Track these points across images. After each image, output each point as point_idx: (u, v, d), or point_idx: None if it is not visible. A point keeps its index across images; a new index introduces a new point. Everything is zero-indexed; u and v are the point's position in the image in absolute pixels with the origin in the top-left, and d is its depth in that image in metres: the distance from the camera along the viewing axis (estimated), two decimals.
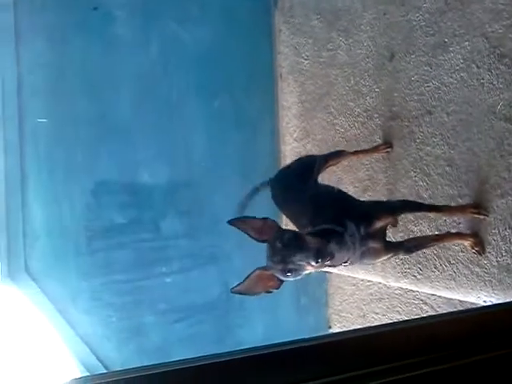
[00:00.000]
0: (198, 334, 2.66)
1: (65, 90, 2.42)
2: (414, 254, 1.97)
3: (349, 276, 2.70)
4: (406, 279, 2.07)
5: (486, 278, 1.72)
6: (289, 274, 1.38)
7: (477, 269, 1.76)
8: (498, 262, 1.69)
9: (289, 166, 2.16)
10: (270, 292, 1.46)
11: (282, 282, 1.44)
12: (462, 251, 1.82)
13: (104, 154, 2.48)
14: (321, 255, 1.34)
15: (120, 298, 2.51)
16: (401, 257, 2.06)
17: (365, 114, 2.26)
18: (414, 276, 2.02)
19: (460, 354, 0.86)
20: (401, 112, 2.06)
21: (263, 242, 1.43)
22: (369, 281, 2.58)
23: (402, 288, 2.38)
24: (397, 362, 0.84)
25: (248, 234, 1.44)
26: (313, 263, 1.34)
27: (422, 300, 2.32)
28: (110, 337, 2.48)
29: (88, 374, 2.38)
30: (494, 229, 1.69)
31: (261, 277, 1.43)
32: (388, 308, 2.54)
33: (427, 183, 1.95)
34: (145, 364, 0.78)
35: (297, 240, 1.38)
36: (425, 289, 2.01)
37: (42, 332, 2.34)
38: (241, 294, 1.45)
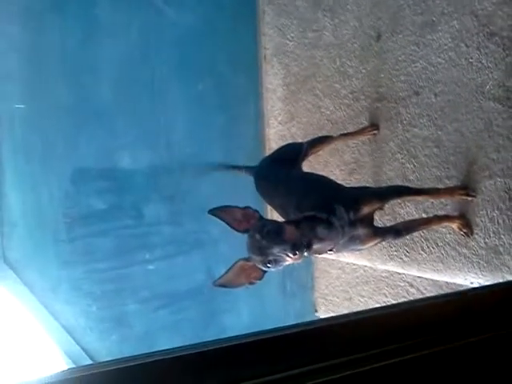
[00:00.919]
0: (183, 321, 2.62)
1: (42, 75, 2.33)
2: (401, 239, 1.96)
3: (334, 260, 2.69)
4: (393, 262, 2.05)
5: (474, 260, 1.72)
6: (269, 266, 1.37)
7: (464, 250, 1.75)
8: (485, 243, 1.68)
9: (272, 154, 2.12)
10: (253, 283, 1.45)
11: (264, 272, 1.42)
12: (449, 233, 1.81)
13: (83, 139, 2.40)
14: (297, 248, 1.33)
15: (102, 287, 2.45)
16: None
17: (351, 96, 2.22)
18: (401, 258, 2.01)
19: (448, 338, 0.86)
20: (387, 93, 2.03)
21: (244, 232, 1.42)
22: (355, 264, 2.57)
23: (388, 271, 2.38)
24: (384, 347, 0.83)
25: (228, 225, 1.43)
26: (290, 255, 1.33)
27: (408, 282, 2.31)
28: (92, 326, 2.43)
29: (73, 364, 2.34)
30: (482, 210, 1.68)
31: (243, 268, 1.42)
32: (374, 291, 2.53)
33: (414, 165, 1.93)
34: (129, 352, 0.75)
35: (275, 232, 1.36)
36: (412, 271, 2.00)
37: (23, 323, 2.28)
38: (224, 286, 1.45)
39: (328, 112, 2.36)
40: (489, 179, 1.65)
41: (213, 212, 1.43)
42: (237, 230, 1.42)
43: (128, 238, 2.51)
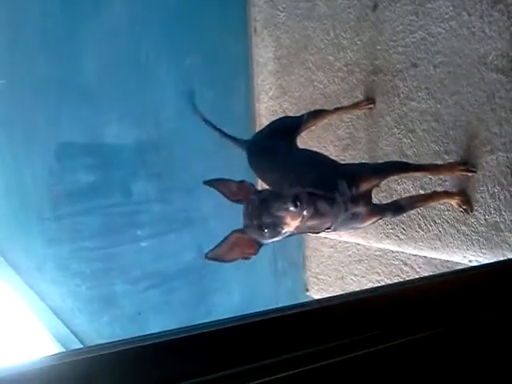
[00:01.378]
0: (173, 301, 2.58)
1: (22, 50, 2.22)
2: (399, 216, 1.91)
3: (326, 238, 2.65)
4: (389, 240, 2.01)
5: (473, 237, 1.68)
6: (266, 231, 1.29)
7: (463, 227, 1.71)
8: (485, 220, 1.63)
9: (265, 129, 2.05)
10: (247, 258, 1.38)
11: (260, 246, 1.35)
12: (447, 210, 1.76)
13: (67, 114, 2.31)
14: (299, 199, 1.26)
15: (90, 266, 2.40)
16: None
17: (345, 69, 2.15)
18: (397, 236, 1.97)
19: (446, 319, 0.82)
20: (384, 65, 1.96)
21: (238, 202, 1.36)
22: (347, 242, 2.53)
23: (381, 249, 2.34)
24: (379, 330, 0.79)
25: (223, 195, 1.38)
26: (291, 208, 1.25)
27: (402, 261, 2.28)
28: (81, 307, 2.38)
29: (61, 346, 2.30)
30: (483, 186, 1.63)
31: (237, 241, 1.35)
32: (367, 269, 2.50)
33: (411, 140, 1.87)
34: (120, 334, 0.71)
35: (273, 194, 1.30)
36: (408, 249, 1.96)
37: (8, 304, 2.22)
38: (216, 260, 1.36)
39: (321, 86, 2.29)
40: (490, 154, 1.60)
41: (208, 183, 1.38)
42: (231, 200, 1.36)
43: (116, 216, 2.45)
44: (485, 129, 1.61)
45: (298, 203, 1.25)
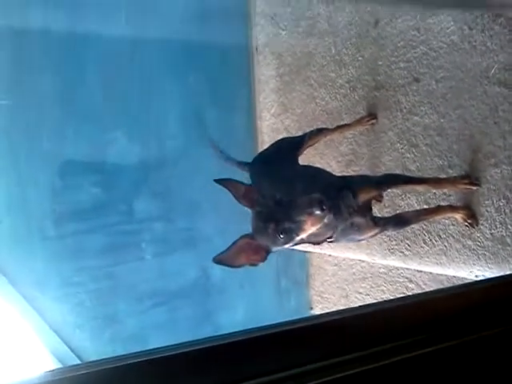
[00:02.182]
0: (176, 320, 2.55)
1: (27, 67, 2.24)
2: (401, 230, 1.90)
3: (330, 255, 2.63)
4: (394, 256, 1.99)
5: (480, 252, 1.66)
6: (282, 236, 1.26)
7: (469, 242, 1.69)
8: (491, 234, 1.62)
9: (267, 149, 2.06)
10: (255, 265, 1.36)
11: (267, 253, 1.34)
12: (452, 224, 1.75)
13: (70, 132, 2.32)
14: (324, 203, 1.23)
15: (92, 285, 2.38)
16: (388, 233, 1.98)
17: (347, 85, 2.16)
18: (402, 252, 1.95)
19: (455, 333, 0.81)
20: (386, 81, 1.96)
21: (248, 206, 1.34)
22: (351, 260, 2.51)
23: (386, 266, 2.32)
24: (387, 344, 0.78)
25: (234, 196, 1.36)
26: (317, 212, 1.22)
27: (407, 278, 2.26)
28: (82, 325, 2.36)
29: (61, 365, 2.26)
30: (488, 200, 1.62)
31: (246, 247, 1.33)
32: (372, 287, 2.48)
33: (415, 155, 1.86)
34: (121, 352, 0.70)
35: (291, 198, 1.28)
36: (413, 265, 1.94)
37: (9, 321, 2.20)
38: (222, 264, 1.35)
39: (323, 102, 2.29)
40: (494, 167, 1.59)
41: (219, 181, 1.37)
42: (241, 203, 1.35)
43: (119, 235, 2.44)
44: (488, 142, 1.60)
45: (324, 207, 1.22)
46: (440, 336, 0.81)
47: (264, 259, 1.34)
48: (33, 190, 2.26)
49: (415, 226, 1.84)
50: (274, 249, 1.33)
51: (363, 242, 2.07)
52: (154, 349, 0.69)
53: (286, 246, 1.31)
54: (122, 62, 2.42)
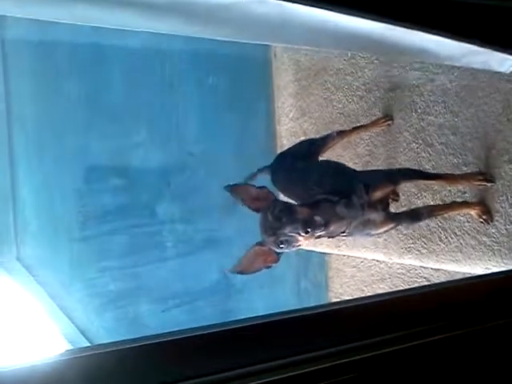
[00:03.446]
0: (198, 320, 2.59)
1: (53, 72, 2.34)
2: (417, 228, 1.92)
3: (349, 257, 2.65)
4: (410, 255, 2.01)
5: (495, 248, 1.67)
6: (282, 246, 1.36)
7: (484, 238, 1.70)
8: (506, 229, 1.63)
9: (288, 149, 2.11)
10: (270, 267, 1.43)
11: (279, 255, 1.41)
12: (467, 221, 1.76)
13: (95, 137, 2.40)
14: (308, 225, 1.33)
15: (115, 285, 2.44)
16: (404, 232, 2.00)
17: (363, 88, 2.20)
18: (419, 251, 1.97)
19: (473, 320, 0.83)
20: (401, 82, 2.00)
21: (256, 211, 1.41)
22: (369, 261, 2.53)
23: (404, 267, 2.33)
24: (408, 329, 0.80)
25: (243, 202, 1.43)
26: (303, 234, 1.33)
27: (425, 278, 2.27)
28: (106, 325, 2.41)
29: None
30: (502, 196, 1.64)
31: (258, 253, 1.41)
32: (390, 288, 2.49)
33: (430, 154, 1.89)
34: None
35: (286, 211, 1.36)
36: (430, 263, 1.96)
37: (37, 321, 2.27)
38: (241, 273, 1.43)
39: (340, 105, 2.34)
40: (509, 163, 1.61)
41: (229, 188, 1.43)
42: (250, 208, 1.42)
43: (141, 236, 2.50)
44: (502, 139, 1.63)
45: (309, 229, 1.33)
46: (456, 324, 0.83)
47: (277, 260, 1.42)
48: (59, 194, 2.34)
49: (431, 224, 1.87)
50: (286, 251, 1.41)
51: (380, 241, 2.11)
52: (170, 332, 0.73)
53: (294, 249, 1.40)
54: (145, 68, 2.50)
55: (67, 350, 0.66)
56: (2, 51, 2.23)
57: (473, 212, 1.71)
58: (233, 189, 1.43)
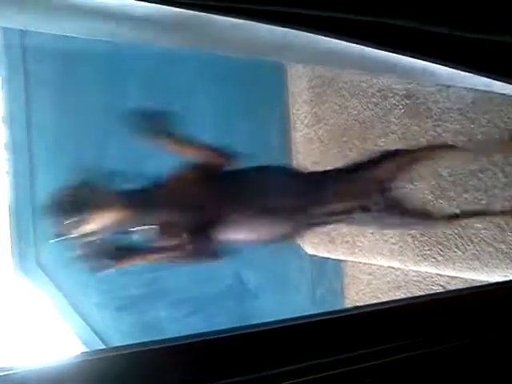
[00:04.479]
0: (212, 326, 2.59)
1: (72, 81, 2.38)
2: (433, 235, 1.91)
3: (364, 264, 2.64)
4: (426, 262, 2.00)
5: None
6: None
7: (502, 246, 1.69)
8: None
9: None
10: None
11: None
12: (484, 228, 1.76)
13: (112, 145, 2.44)
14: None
15: (131, 290, 2.46)
16: (420, 239, 2.00)
17: (378, 94, 2.20)
18: (435, 258, 1.96)
19: (487, 329, 0.84)
20: (416, 89, 2.00)
21: None
22: (385, 268, 2.52)
23: (420, 274, 2.32)
24: (423, 336, 0.80)
25: None
26: None
27: (441, 285, 2.25)
28: (122, 329, 2.44)
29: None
30: None
31: None
32: (406, 296, 2.47)
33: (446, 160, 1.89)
34: None
35: None
36: (446, 271, 1.95)
37: (54, 324, 2.31)
38: None
39: (355, 112, 2.34)
40: None
41: None
42: None
43: None
44: None
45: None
46: (463, 332, 0.83)
47: None
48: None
49: (447, 231, 1.86)
50: None
51: (396, 248, 2.10)
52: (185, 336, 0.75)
53: None
54: (160, 77, 2.54)
55: (82, 352, 0.68)
56: (23, 60, 2.28)
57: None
58: None
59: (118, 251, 1.23)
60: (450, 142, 1.85)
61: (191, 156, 1.24)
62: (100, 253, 1.20)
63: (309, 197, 1.39)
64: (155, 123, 1.11)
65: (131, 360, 0.68)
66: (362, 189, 1.48)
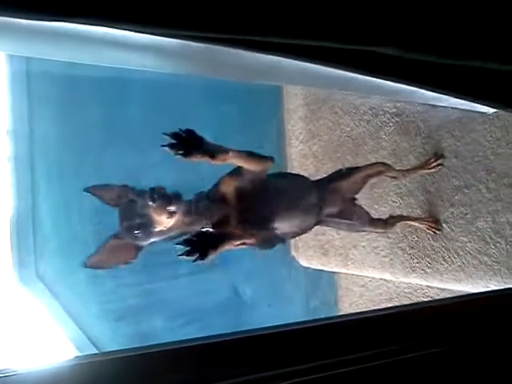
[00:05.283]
0: None
1: (73, 98, 2.45)
2: (422, 248, 1.98)
3: (357, 276, 2.70)
4: (415, 274, 2.07)
5: (495, 267, 1.73)
6: (137, 232, 1.30)
7: (485, 258, 1.76)
8: (507, 250, 1.69)
9: None
10: (128, 263, 1.37)
11: (138, 250, 1.36)
12: (469, 242, 1.82)
13: (112, 158, 2.50)
14: (155, 192, 1.26)
15: (129, 301, 2.51)
16: (409, 251, 2.06)
17: (370, 112, 2.28)
18: (423, 270, 2.02)
19: (475, 334, 0.88)
20: (406, 108, 2.08)
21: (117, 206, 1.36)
22: (378, 280, 2.58)
23: (411, 286, 2.38)
24: (407, 342, 0.85)
25: (104, 201, 1.42)
26: (150, 203, 1.25)
27: (431, 297, 2.31)
28: (120, 340, 2.47)
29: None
30: (502, 218, 1.70)
31: (115, 246, 1.36)
32: None
33: (433, 176, 1.96)
34: None
35: (141, 193, 1.31)
36: (435, 282, 2.01)
37: (53, 335, 2.34)
38: (94, 267, 1.39)
39: (348, 129, 2.42)
40: (508, 187, 1.68)
41: (89, 190, 1.43)
42: (112, 206, 1.40)
43: (155, 254, 2.56)
44: (502, 163, 1.69)
45: (156, 196, 1.25)
46: (448, 338, 0.88)
47: (135, 257, 1.37)
48: (77, 212, 2.43)
49: (435, 244, 1.93)
50: (144, 243, 1.36)
51: (386, 261, 2.17)
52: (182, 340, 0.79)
53: (154, 239, 1.34)
54: (159, 94, 2.61)
55: (75, 356, 0.71)
56: (26, 79, 2.35)
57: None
58: (91, 189, 1.43)
59: (215, 239, 1.33)
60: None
61: (238, 163, 1.36)
62: (202, 244, 1.28)
63: (317, 197, 1.56)
64: (196, 143, 1.22)
65: (124, 364, 0.71)
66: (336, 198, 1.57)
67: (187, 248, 1.26)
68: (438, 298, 2.27)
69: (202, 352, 0.78)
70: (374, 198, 2.18)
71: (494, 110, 1.53)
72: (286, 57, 0.88)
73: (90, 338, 2.42)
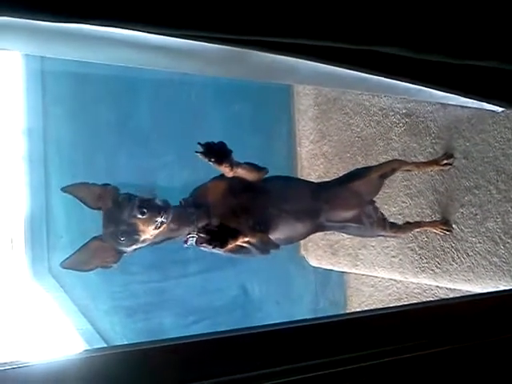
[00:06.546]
0: None
1: (86, 99, 2.48)
2: (431, 248, 1.99)
3: (367, 276, 2.70)
4: (425, 274, 2.07)
5: (505, 268, 1.73)
6: (122, 239, 1.27)
7: (495, 259, 1.76)
8: None
9: None
10: (108, 267, 1.35)
11: (120, 254, 1.33)
12: (479, 242, 1.82)
13: (124, 158, 2.53)
14: (145, 205, 1.24)
15: (139, 299, 2.53)
16: (418, 252, 2.07)
17: (380, 113, 2.29)
18: (433, 270, 2.03)
19: (481, 334, 0.88)
20: (416, 108, 2.09)
21: (99, 210, 1.35)
22: (387, 280, 2.58)
23: (420, 287, 2.38)
24: (412, 341, 0.85)
25: (83, 203, 1.37)
26: (139, 215, 1.24)
27: (441, 298, 2.31)
28: (130, 337, 2.50)
29: None
30: (511, 218, 1.70)
31: (97, 248, 1.33)
32: None
33: (443, 177, 1.97)
34: None
35: (129, 199, 1.29)
36: (443, 282, 2.01)
37: (64, 330, 2.38)
38: (73, 269, 1.34)
39: (358, 129, 2.43)
40: None
41: (66, 189, 1.37)
42: (92, 208, 1.36)
43: (165, 252, 2.59)
44: (511, 163, 1.69)
45: (145, 210, 1.24)
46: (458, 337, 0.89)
47: (117, 261, 1.34)
48: (89, 210, 2.46)
49: (444, 244, 1.93)
50: (128, 250, 1.33)
51: (396, 261, 2.17)
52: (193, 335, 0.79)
53: (136, 246, 1.32)
54: (171, 93, 2.63)
55: (85, 350, 0.71)
56: (41, 79, 2.39)
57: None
58: (68, 189, 1.37)
59: (228, 233, 1.33)
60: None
61: (242, 175, 1.44)
62: (222, 234, 1.30)
63: (317, 202, 1.54)
64: (222, 153, 1.26)
65: (131, 358, 0.71)
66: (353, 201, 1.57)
67: (207, 237, 1.27)
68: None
69: (206, 347, 0.78)
70: (384, 199, 2.18)
71: (503, 109, 1.54)
72: (299, 57, 0.89)
73: (100, 332, 2.45)
